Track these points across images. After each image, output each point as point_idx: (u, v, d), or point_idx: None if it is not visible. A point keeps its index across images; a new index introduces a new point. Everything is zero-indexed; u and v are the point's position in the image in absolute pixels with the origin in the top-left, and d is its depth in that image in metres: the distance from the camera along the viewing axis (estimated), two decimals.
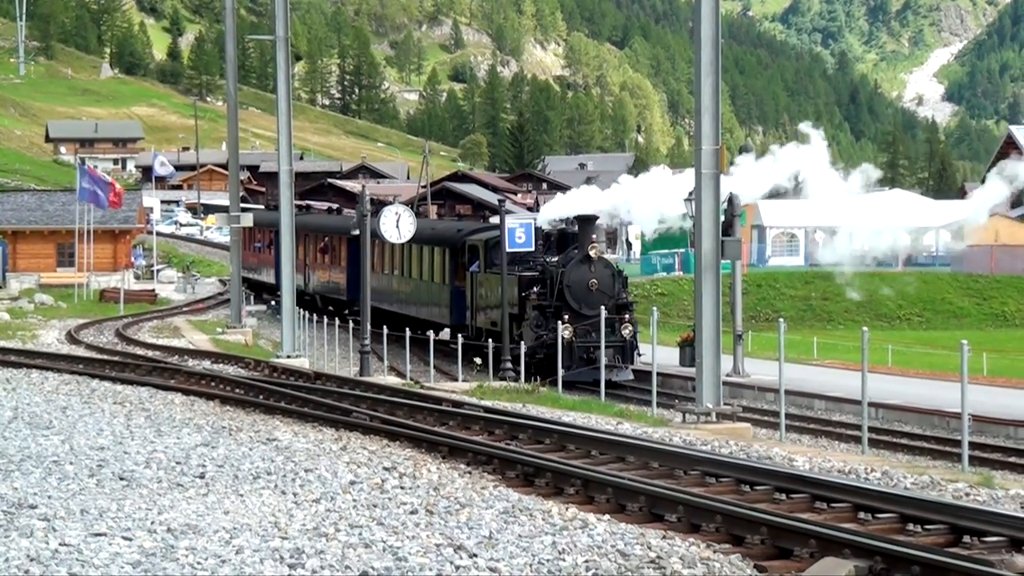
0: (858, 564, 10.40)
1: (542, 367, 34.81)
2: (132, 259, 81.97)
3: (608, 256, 47.07)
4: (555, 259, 38.51)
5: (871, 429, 23.24)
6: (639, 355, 37.21)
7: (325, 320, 44.17)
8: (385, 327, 37.66)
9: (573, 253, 37.89)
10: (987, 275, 66.29)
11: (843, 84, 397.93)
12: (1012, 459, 24.35)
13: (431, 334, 37.10)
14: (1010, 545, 11.00)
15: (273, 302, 57.74)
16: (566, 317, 35.65)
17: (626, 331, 36.65)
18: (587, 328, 35.71)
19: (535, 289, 37.76)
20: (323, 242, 58.71)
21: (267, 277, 64.93)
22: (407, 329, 38.50)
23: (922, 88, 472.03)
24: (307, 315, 46.97)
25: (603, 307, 33.19)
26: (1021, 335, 56.86)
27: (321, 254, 58.74)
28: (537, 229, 39.90)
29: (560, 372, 31.70)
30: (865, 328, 23.56)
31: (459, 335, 38.56)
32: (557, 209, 43.17)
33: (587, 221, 38.65)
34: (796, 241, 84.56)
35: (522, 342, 35.95)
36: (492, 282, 39.43)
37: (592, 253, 37.25)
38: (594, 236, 38.76)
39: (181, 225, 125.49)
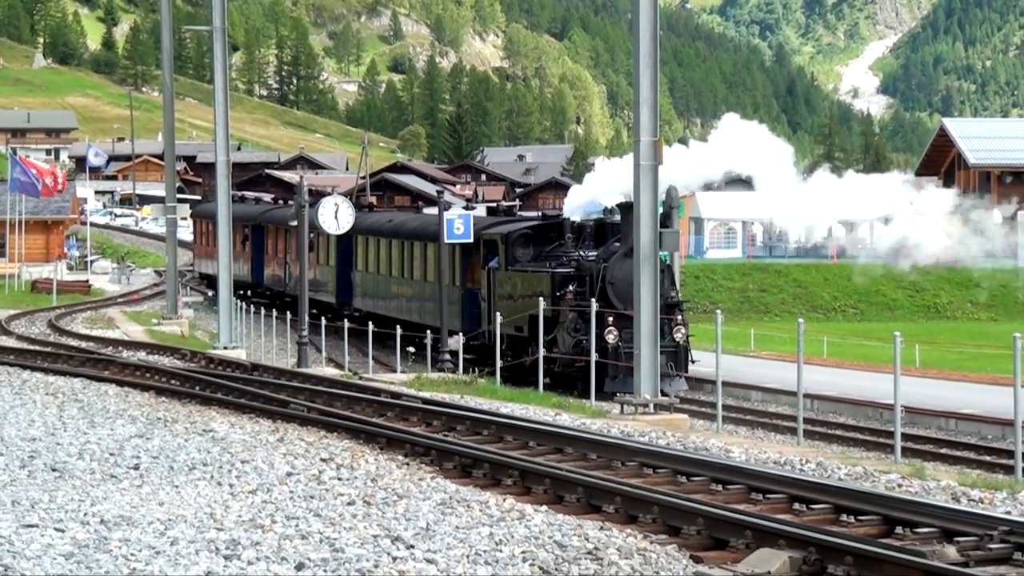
0: (792, 555, 10.46)
1: (582, 376, 30.34)
2: (65, 250, 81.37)
3: None
4: (593, 253, 34.22)
5: (806, 420, 23.39)
6: (693, 361, 33.27)
7: (263, 311, 43.95)
8: (385, 330, 35.11)
9: (615, 246, 33.31)
10: (919, 267, 66.71)
11: (780, 76, 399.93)
12: (944, 450, 24.58)
13: (425, 338, 34.21)
14: (942, 536, 11.09)
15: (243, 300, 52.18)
16: (610, 319, 31.45)
17: (679, 334, 32.53)
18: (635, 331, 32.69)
19: (571, 288, 33.24)
20: (308, 239, 55.27)
21: (241, 274, 60.63)
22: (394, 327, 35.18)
23: (857, 81, 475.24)
24: (245, 306, 46.71)
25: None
26: (953, 327, 57.42)
27: (309, 252, 54.96)
28: (564, 220, 36.37)
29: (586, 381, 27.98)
30: (801, 320, 23.71)
31: (451, 340, 34.65)
32: (585, 194, 38.92)
33: (631, 209, 34.79)
34: (734, 233, 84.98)
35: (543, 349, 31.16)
36: (517, 281, 35.46)
37: None
38: None
39: (116, 216, 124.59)
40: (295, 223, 36.33)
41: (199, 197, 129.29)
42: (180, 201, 61.59)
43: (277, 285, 55.13)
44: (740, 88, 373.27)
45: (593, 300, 29.59)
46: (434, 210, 42.62)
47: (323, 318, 40.88)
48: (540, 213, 41.38)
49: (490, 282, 36.75)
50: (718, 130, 39.24)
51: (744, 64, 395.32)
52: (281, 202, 67.34)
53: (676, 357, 32.21)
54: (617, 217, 34.09)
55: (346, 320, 37.69)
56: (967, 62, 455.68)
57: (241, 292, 56.50)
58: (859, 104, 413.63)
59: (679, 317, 33.00)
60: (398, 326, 35.72)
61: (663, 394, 28.65)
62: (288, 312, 44.73)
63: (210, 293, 59.85)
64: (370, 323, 35.80)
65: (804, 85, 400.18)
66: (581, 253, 34.62)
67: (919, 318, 61.23)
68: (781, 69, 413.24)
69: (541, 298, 30.73)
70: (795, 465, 16.15)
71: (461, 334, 34.96)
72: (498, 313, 33.88)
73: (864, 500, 12.32)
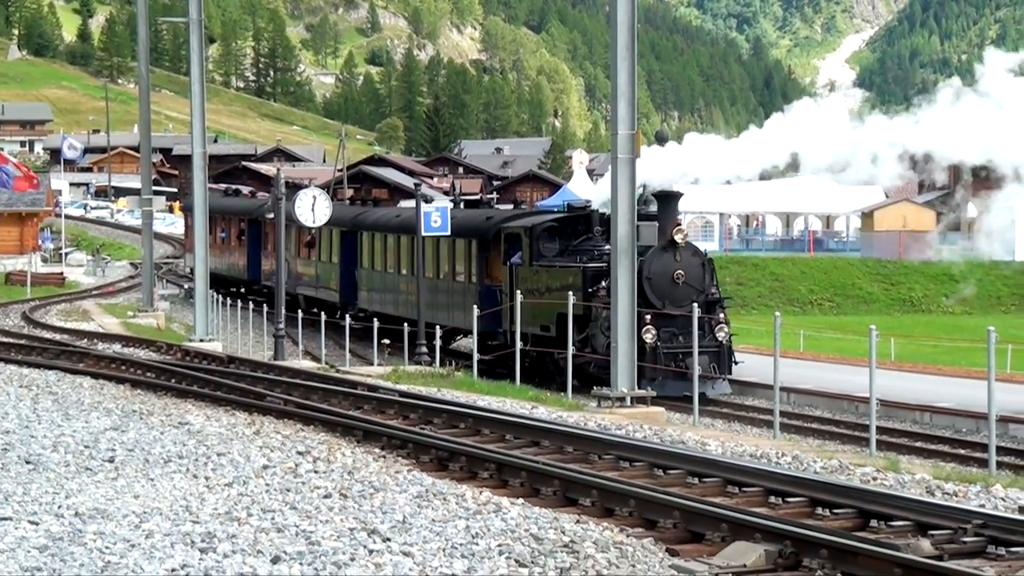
0: (768, 548, 10.49)
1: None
2: (40, 242, 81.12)
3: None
4: None
5: (782, 413, 23.42)
6: (736, 363, 31.41)
7: (239, 304, 43.81)
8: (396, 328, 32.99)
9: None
10: (895, 261, 67.04)
11: (757, 70, 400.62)
12: (918, 444, 24.61)
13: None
14: (916, 529, 11.14)
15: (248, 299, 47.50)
16: (647, 318, 29.15)
17: (721, 333, 30.53)
18: (673, 331, 29.89)
19: (604, 284, 30.32)
20: (309, 235, 50.93)
21: (236, 270, 58.69)
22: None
23: (834, 74, 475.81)
24: (220, 299, 46.50)
25: (693, 304, 27.25)
26: (927, 320, 57.54)
27: (307, 248, 50.79)
28: (593, 212, 34.11)
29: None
30: (778, 313, 23.77)
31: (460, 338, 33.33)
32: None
33: (669, 198, 31.47)
34: (711, 227, 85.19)
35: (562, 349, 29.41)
36: (543, 276, 33.15)
37: (677, 238, 30.62)
38: (679, 217, 32.08)
39: (91, 208, 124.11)
40: (285, 217, 35.73)
41: (175, 190, 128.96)
42: (156, 193, 61.26)
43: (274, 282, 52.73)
44: (717, 81, 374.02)
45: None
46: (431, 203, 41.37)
47: (322, 315, 38.23)
48: (565, 204, 38.06)
49: (512, 278, 34.28)
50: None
51: (721, 57, 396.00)
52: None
53: (719, 357, 30.32)
54: (652, 208, 32.19)
55: (348, 318, 36.41)
56: (943, 56, 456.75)
57: (235, 289, 54.53)
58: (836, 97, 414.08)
59: (721, 315, 31.07)
60: (405, 324, 34.82)
61: (704, 397, 27.67)
62: (297, 312, 42.31)
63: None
64: (375, 320, 34.80)
65: (781, 78, 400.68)
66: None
67: (895, 311, 61.36)
68: (758, 62, 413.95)
69: (571, 294, 28.74)
70: (771, 458, 16.20)
71: (473, 334, 32.74)
72: (518, 312, 30.80)
73: (839, 493, 12.36)
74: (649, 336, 29.25)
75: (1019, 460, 22.57)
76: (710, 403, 29.15)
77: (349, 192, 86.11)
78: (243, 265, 57.07)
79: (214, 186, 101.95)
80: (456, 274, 38.18)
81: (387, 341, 37.22)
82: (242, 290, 54.42)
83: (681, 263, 30.59)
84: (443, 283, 38.37)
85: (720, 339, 30.45)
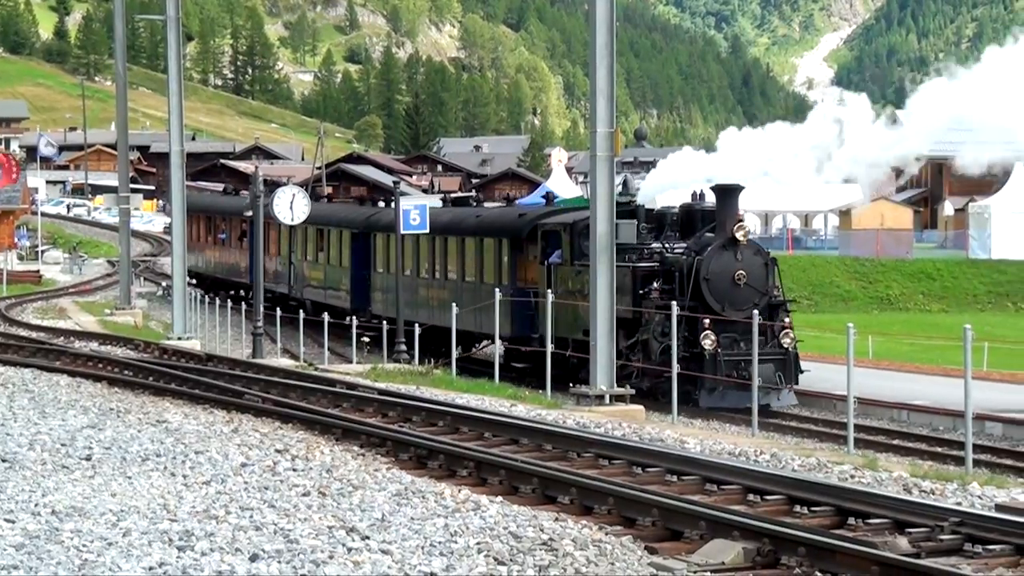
0: (746, 546, 10.50)
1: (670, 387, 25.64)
2: (16, 239, 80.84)
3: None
4: (681, 245, 29.72)
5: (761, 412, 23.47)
6: (802, 371, 29.17)
7: (217, 302, 43.69)
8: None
9: (708, 236, 29.16)
10: (872, 259, 67.17)
11: (736, 68, 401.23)
12: (896, 441, 24.69)
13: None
14: (893, 527, 11.16)
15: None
16: (706, 322, 27.38)
17: (786, 340, 28.32)
18: (734, 337, 27.84)
19: (656, 285, 28.86)
20: (320, 235, 48.51)
21: (238, 273, 55.32)
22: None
23: (812, 72, 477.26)
24: (199, 296, 46.35)
25: (754, 307, 26.14)
26: (905, 318, 57.66)
27: (318, 251, 48.06)
28: (638, 207, 32.07)
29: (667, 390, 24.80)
30: (756, 311, 23.79)
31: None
32: (662, 180, 34.32)
33: (729, 192, 29.04)
34: None
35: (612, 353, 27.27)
36: (585, 277, 28.62)
37: (739, 235, 28.34)
38: (740, 213, 29.71)
39: (72, 207, 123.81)
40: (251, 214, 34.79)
41: (152, 187, 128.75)
42: (133, 191, 61.16)
43: (279, 286, 50.02)
44: (696, 79, 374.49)
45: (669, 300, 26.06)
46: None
47: (325, 315, 36.42)
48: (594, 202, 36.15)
49: (551, 279, 31.56)
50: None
51: (700, 55, 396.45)
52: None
53: (784, 365, 28.16)
54: (708, 204, 30.31)
55: (355, 319, 35.10)
56: (920, 54, 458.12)
57: (234, 292, 51.60)
58: (814, 95, 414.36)
59: (786, 319, 28.96)
60: (416, 326, 33.47)
61: (767, 408, 26.35)
62: (306, 314, 40.52)
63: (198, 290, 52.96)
64: (384, 323, 33.99)
65: (760, 76, 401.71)
66: (664, 245, 30.26)
67: (872, 309, 61.46)
68: (737, 60, 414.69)
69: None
70: (749, 456, 16.23)
71: (499, 340, 31.08)
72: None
73: (817, 491, 12.38)
74: (708, 342, 27.32)
75: (996, 458, 22.66)
76: (773, 415, 27.19)
77: (328, 190, 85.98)
78: (245, 267, 53.11)
79: (212, 185, 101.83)
80: (484, 275, 35.37)
81: (366, 338, 37.11)
82: (242, 293, 50.29)
83: (742, 263, 28.35)
84: (467, 286, 35.61)
85: (785, 345, 28.33)
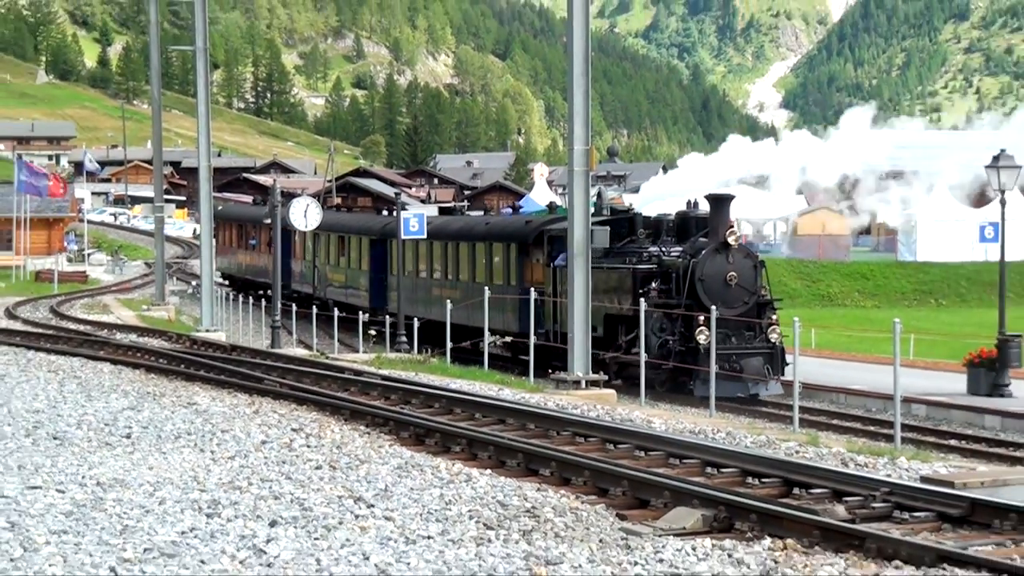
0: (705, 513, 10.52)
1: (669, 379, 26.57)
2: (65, 244, 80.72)
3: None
4: (677, 249, 29.03)
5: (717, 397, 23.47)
6: (787, 363, 27.86)
7: (240, 299, 43.58)
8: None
9: (702, 241, 28.33)
10: (815, 261, 67.29)
11: (696, 93, 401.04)
12: (835, 421, 24.73)
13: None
14: (832, 496, 11.19)
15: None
16: (700, 319, 26.59)
17: (773, 335, 27.60)
18: (726, 332, 26.84)
19: (654, 285, 28.18)
20: (342, 241, 47.24)
21: (266, 275, 52.44)
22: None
23: (763, 96, 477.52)
24: (226, 294, 46.20)
25: (744, 304, 26.71)
26: (843, 313, 57.76)
27: (339, 256, 46.98)
28: (636, 215, 31.56)
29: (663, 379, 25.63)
30: (714, 307, 23.83)
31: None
32: (662, 189, 33.67)
33: (721, 201, 28.35)
34: None
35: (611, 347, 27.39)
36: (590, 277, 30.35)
37: (731, 240, 27.65)
38: (732, 220, 28.94)
39: (117, 216, 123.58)
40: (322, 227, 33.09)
41: (184, 198, 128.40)
42: (167, 201, 60.99)
43: (305, 287, 49.42)
44: (661, 103, 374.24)
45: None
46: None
47: (360, 313, 36.31)
48: (616, 210, 34.42)
49: (555, 280, 30.73)
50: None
51: (664, 82, 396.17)
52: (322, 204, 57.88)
53: (772, 358, 27.29)
54: (702, 211, 29.56)
55: (388, 317, 34.71)
56: (856, 81, 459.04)
57: (263, 292, 50.33)
58: (764, 117, 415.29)
59: (772, 316, 28.11)
60: (416, 320, 33.23)
61: (755, 397, 26.05)
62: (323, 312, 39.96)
63: (231, 291, 52.75)
64: (387, 318, 33.43)
65: (717, 100, 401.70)
66: (661, 249, 29.50)
67: (815, 305, 61.50)
68: (697, 86, 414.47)
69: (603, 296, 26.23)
70: (707, 434, 16.24)
71: (492, 335, 30.29)
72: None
73: (766, 465, 12.41)
74: (702, 337, 26.36)
75: (920, 436, 22.73)
76: (762, 404, 26.62)
77: (337, 200, 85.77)
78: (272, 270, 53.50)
79: (236, 196, 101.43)
80: (493, 277, 34.44)
81: (372, 331, 37.04)
82: (270, 293, 50.48)
83: (734, 265, 27.56)
84: (477, 287, 34.06)
85: (772, 340, 27.48)
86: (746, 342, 25.82)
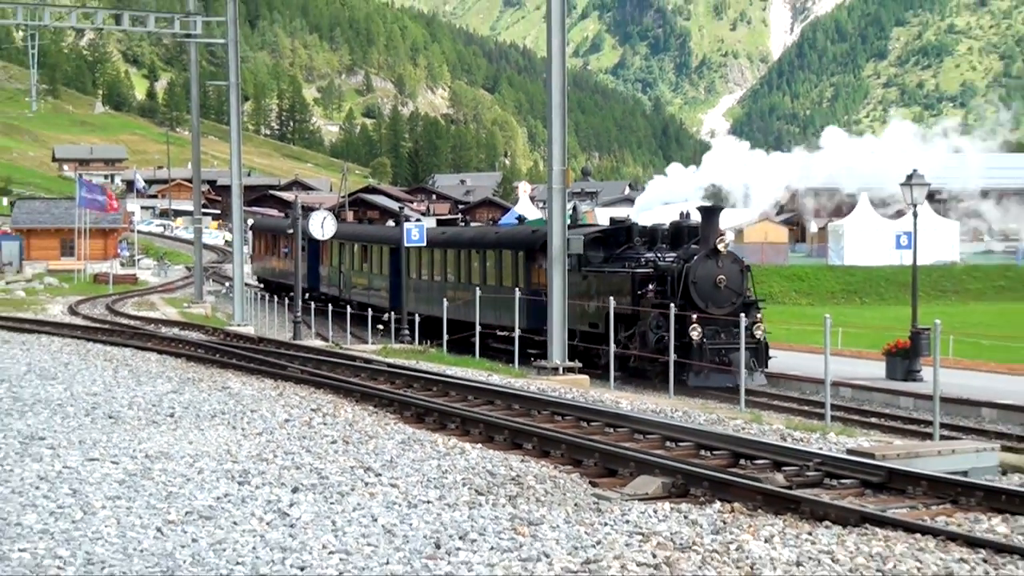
0: (664, 480, 10.54)
1: (663, 370, 25.23)
2: (118, 251, 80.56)
3: None
4: (671, 255, 28.24)
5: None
6: (771, 357, 27.59)
7: (267, 297, 43.52)
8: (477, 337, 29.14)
9: (694, 248, 27.51)
10: (758, 264, 67.31)
11: (657, 121, 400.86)
12: (775, 402, 24.77)
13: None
14: (773, 466, 11.22)
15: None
16: (693, 317, 25.85)
17: (759, 332, 26.77)
18: (716, 329, 26.26)
19: (651, 287, 27.40)
20: (364, 250, 45.95)
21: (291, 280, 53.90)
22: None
23: (714, 124, 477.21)
24: (256, 294, 46.09)
25: (732, 305, 26.07)
26: (782, 310, 57.64)
27: (362, 263, 45.76)
28: (632, 225, 30.53)
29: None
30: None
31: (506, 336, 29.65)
32: (651, 198, 32.45)
33: (712, 212, 27.55)
34: None
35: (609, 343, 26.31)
36: (593, 280, 28.99)
37: (720, 247, 26.83)
38: (722, 229, 28.15)
39: (169, 227, 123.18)
40: (349, 237, 34.34)
41: (218, 211, 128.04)
42: (204, 214, 60.82)
43: (331, 290, 48.14)
44: (627, 130, 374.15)
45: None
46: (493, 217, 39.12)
47: (369, 311, 36.05)
48: (611, 222, 33.15)
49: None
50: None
51: (630, 112, 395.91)
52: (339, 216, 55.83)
53: (757, 353, 26.45)
54: (694, 220, 28.65)
55: (394, 314, 34.28)
56: (793, 111, 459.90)
57: (292, 294, 50.05)
58: (716, 142, 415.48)
59: (758, 315, 27.22)
60: (416, 315, 32.71)
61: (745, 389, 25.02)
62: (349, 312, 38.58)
63: (266, 294, 51.03)
64: (416, 316, 33.28)
65: (675, 128, 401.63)
66: (657, 255, 28.66)
67: (759, 303, 61.65)
68: (658, 116, 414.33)
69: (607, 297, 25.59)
70: (667, 413, 16.27)
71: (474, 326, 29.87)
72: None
73: (717, 439, 12.43)
74: (695, 334, 25.66)
75: (847, 415, 22.80)
76: (749, 393, 25.29)
77: (350, 214, 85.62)
78: (304, 275, 50.03)
79: (263, 210, 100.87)
80: (503, 280, 33.41)
81: (381, 326, 36.97)
82: (304, 296, 49.38)
83: (723, 269, 26.71)
84: (489, 288, 33.32)
85: (758, 336, 26.59)
86: (734, 338, 25.16)
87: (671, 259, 27.86)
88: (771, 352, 27.34)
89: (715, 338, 26.20)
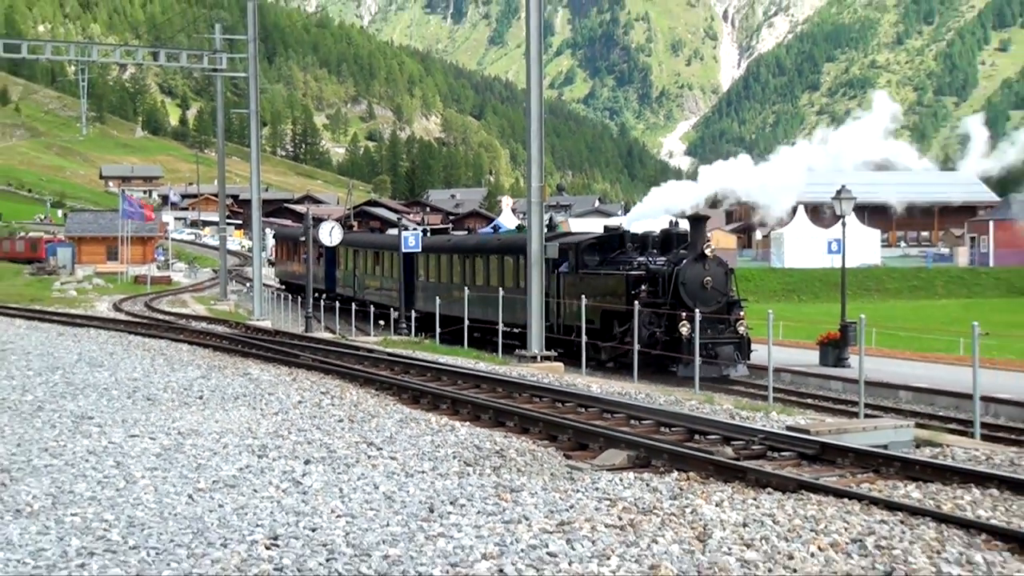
0: (629, 453, 10.56)
1: (654, 362, 24.78)
2: (155, 256, 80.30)
3: None
4: (662, 259, 27.31)
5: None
6: (752, 351, 26.36)
7: (282, 295, 43.38)
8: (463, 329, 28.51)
9: (683, 253, 26.57)
10: None
11: (623, 144, 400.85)
12: (725, 385, 24.79)
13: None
14: (723, 440, 11.25)
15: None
16: (683, 314, 24.97)
17: (741, 328, 25.95)
18: (704, 325, 24.34)
19: (644, 288, 26.39)
20: (376, 256, 44.94)
21: (316, 282, 50.12)
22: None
23: (672, 147, 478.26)
24: (274, 294, 45.92)
25: (718, 303, 25.29)
26: None
27: (375, 267, 44.55)
28: (625, 232, 29.58)
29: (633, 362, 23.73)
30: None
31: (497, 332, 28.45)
32: (645, 210, 31.10)
33: (700, 220, 26.64)
34: None
35: (610, 338, 25.97)
36: (590, 282, 27.79)
37: (707, 251, 25.96)
38: (708, 235, 27.13)
39: (198, 236, 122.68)
40: (362, 244, 31.98)
41: (240, 222, 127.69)
42: (228, 224, 60.71)
43: (347, 291, 47.03)
44: (597, 151, 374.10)
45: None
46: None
47: (374, 308, 35.71)
48: (603, 229, 32.22)
49: (559, 284, 28.81)
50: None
51: (599, 136, 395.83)
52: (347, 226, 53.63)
53: (740, 347, 25.64)
54: (681, 228, 27.89)
55: (414, 312, 33.97)
56: (740, 135, 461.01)
57: (314, 296, 49.61)
58: (674, 162, 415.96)
59: (740, 312, 26.32)
60: (414, 313, 32.62)
61: (725, 378, 24.82)
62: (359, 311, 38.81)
63: (286, 294, 49.81)
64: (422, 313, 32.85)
65: (639, 150, 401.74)
66: (648, 259, 27.71)
67: None
68: (623, 139, 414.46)
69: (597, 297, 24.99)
70: (632, 395, 16.28)
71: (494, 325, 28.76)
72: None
73: (675, 417, 12.45)
74: (685, 329, 24.71)
75: (787, 396, 22.81)
76: (732, 383, 25.01)
77: (354, 224, 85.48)
78: (321, 278, 50.08)
79: (284, 221, 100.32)
80: (505, 282, 32.12)
81: (382, 322, 36.84)
82: (321, 297, 46.96)
83: (709, 271, 25.78)
84: (492, 289, 31.94)
85: (740, 332, 25.74)
86: (719, 333, 24.72)
87: (662, 262, 27.23)
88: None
89: (702, 333, 24.97)
